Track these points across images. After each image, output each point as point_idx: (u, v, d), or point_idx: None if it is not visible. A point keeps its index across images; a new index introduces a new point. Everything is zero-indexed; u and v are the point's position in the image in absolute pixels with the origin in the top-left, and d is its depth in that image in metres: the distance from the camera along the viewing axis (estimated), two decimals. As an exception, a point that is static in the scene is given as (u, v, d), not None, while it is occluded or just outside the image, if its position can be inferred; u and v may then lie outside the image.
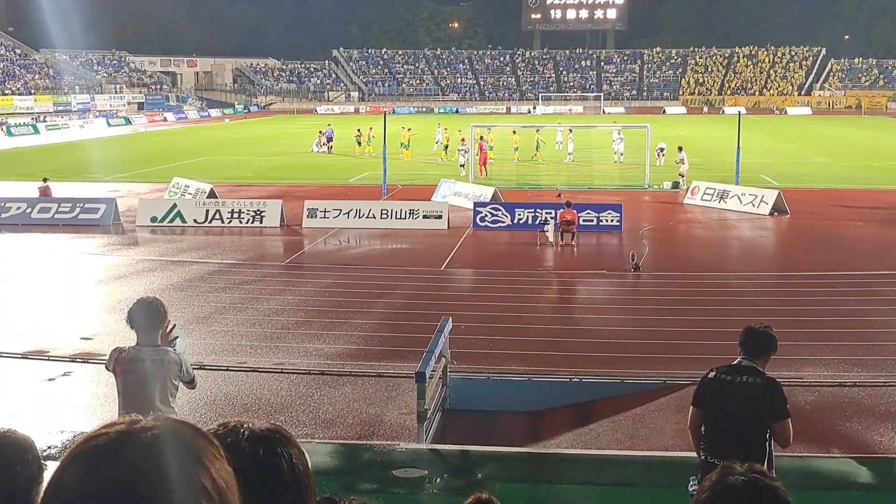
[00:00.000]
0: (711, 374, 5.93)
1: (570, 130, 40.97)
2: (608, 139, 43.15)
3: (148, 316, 6.27)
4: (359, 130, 44.97)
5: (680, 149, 31.78)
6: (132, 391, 6.28)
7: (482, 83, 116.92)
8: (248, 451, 1.66)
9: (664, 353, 12.69)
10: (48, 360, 12.59)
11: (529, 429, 10.22)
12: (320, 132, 47.63)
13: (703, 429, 5.88)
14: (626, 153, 40.14)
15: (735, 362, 5.89)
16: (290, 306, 15.56)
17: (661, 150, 37.84)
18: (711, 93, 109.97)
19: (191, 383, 6.51)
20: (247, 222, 24.09)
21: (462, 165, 34.10)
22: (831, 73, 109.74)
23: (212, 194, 26.57)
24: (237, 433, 1.69)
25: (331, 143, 45.49)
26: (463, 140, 37.54)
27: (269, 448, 1.68)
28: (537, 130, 41.34)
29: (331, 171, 38.13)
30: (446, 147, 41.83)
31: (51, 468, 1.46)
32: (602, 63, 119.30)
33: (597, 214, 23.15)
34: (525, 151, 40.91)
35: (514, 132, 40.84)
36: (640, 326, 14.21)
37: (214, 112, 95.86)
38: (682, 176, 30.99)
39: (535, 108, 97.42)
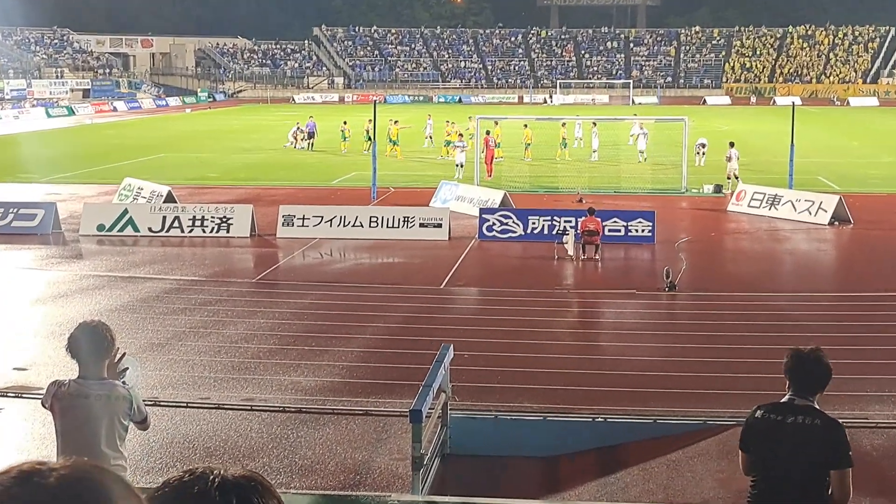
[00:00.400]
0: (758, 414, 5.89)
1: (594, 124, 41.03)
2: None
3: (92, 343, 6.27)
4: (345, 122, 45.06)
5: (731, 144, 31.79)
6: (73, 432, 6.27)
7: (490, 68, 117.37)
8: (218, 501, 1.65)
9: (704, 388, 12.69)
10: (-26, 394, 12.58)
11: (544, 478, 10.19)
12: (298, 124, 47.77)
13: (750, 478, 5.87)
14: (659, 151, 40.22)
15: (785, 399, 5.84)
16: (262, 331, 15.56)
17: (702, 146, 37.90)
18: (760, 80, 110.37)
19: (143, 423, 6.51)
20: (211, 231, 24.12)
21: (459, 165, 34.05)
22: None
23: (170, 198, 26.61)
24: (206, 480, 1.68)
25: (312, 140, 45.61)
26: (460, 135, 37.59)
27: (243, 498, 1.67)
28: (563, 125, 41.31)
29: (310, 170, 38.21)
30: (448, 143, 41.82)
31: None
32: (631, 44, 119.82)
33: (625, 223, 23.18)
34: (542, 149, 40.98)
35: (526, 126, 40.92)
36: (675, 356, 14.21)
37: (173, 101, 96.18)
38: (731, 178, 30.98)
39: (551, 97, 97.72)
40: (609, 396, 12.43)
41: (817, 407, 5.76)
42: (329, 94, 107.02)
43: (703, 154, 37.76)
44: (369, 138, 42.66)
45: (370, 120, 44.09)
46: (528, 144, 40.37)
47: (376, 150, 30.76)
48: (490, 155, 35.14)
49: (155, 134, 57.97)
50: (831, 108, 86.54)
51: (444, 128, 42.60)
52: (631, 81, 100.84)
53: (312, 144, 45.26)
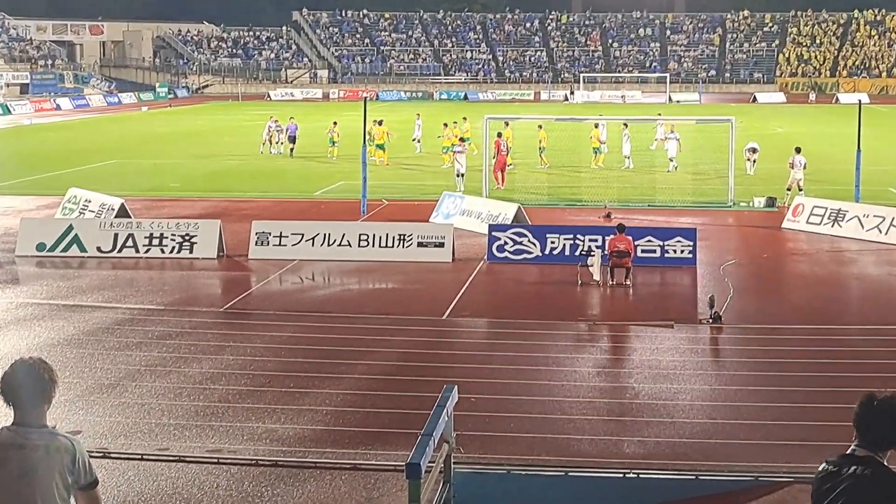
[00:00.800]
0: (821, 467, 5.95)
1: (626, 125, 41.07)
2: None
3: (30, 384, 6.25)
4: (335, 124, 44.95)
5: (798, 150, 31.70)
6: (6, 490, 6.24)
7: (501, 59, 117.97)
8: None
9: (756, 438, 12.65)
10: None
11: (566, 545, 10.14)
12: (273, 119, 47.85)
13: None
14: (701, 158, 40.27)
15: (849, 451, 5.88)
16: (232, 369, 15.54)
17: (753, 151, 37.88)
18: (820, 74, 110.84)
19: (90, 487, 6.41)
20: (171, 251, 24.14)
21: (459, 176, 33.84)
22: None
23: (123, 212, 26.65)
24: None
25: (293, 145, 45.68)
26: (461, 139, 37.62)
27: None
28: (596, 125, 41.36)
29: (289, 179, 38.32)
30: (446, 149, 41.87)
31: None
32: (668, 32, 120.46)
33: (661, 243, 23.19)
34: (562, 155, 41.04)
35: (540, 127, 41.01)
36: (721, 400, 14.17)
37: (127, 97, 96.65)
38: (793, 189, 30.89)
39: (572, 92, 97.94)
40: (642, 448, 12.39)
41: (879, 459, 5.78)
42: (311, 90, 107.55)
43: (754, 161, 37.79)
44: (333, 142, 43.31)
45: (335, 122, 44.76)
46: (543, 148, 40.46)
47: (366, 157, 30.82)
48: (501, 162, 35.17)
49: (105, 137, 58.15)
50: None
51: (442, 131, 42.58)
52: (668, 75, 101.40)
53: (293, 150, 45.42)
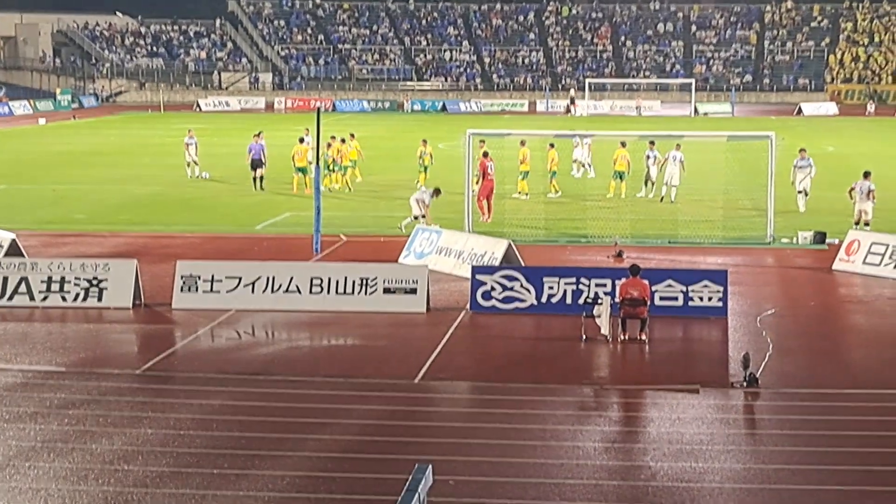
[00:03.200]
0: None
1: (653, 143, 41.12)
2: (701, 157, 43.57)
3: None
4: (303, 140, 43.90)
5: (866, 175, 31.80)
6: None
7: (488, 61, 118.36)
8: None
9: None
10: None
11: None
12: (190, 132, 47.84)
13: None
14: (735, 183, 40.45)
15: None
16: (151, 447, 15.56)
17: (810, 166, 37.55)
18: (881, 80, 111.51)
19: None
20: (75, 299, 24.12)
21: (416, 217, 32.61)
22: None
23: (14, 250, 26.64)
24: None
25: (262, 170, 42.79)
26: (424, 157, 37.32)
27: None
28: (622, 144, 41.01)
29: (222, 210, 38.32)
30: (426, 168, 42.42)
31: None
32: (694, 28, 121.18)
33: (684, 288, 23.33)
34: (562, 178, 41.24)
35: (552, 145, 41.17)
36: (757, 482, 14.28)
37: (20, 106, 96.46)
38: (860, 224, 31.00)
39: (573, 102, 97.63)
40: (661, 542, 12.47)
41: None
42: (251, 98, 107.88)
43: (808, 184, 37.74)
44: (301, 169, 42.35)
45: (257, 134, 44.19)
46: (554, 173, 40.61)
47: (320, 180, 30.92)
48: (487, 187, 35.29)
49: (-7, 156, 57.97)
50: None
51: (418, 147, 43.15)
52: (693, 82, 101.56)
53: (262, 178, 42.80)
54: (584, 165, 45.66)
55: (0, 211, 36.26)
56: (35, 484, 14.19)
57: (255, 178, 42.77)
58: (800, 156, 37.16)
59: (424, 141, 43.90)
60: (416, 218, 32.45)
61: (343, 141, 43.37)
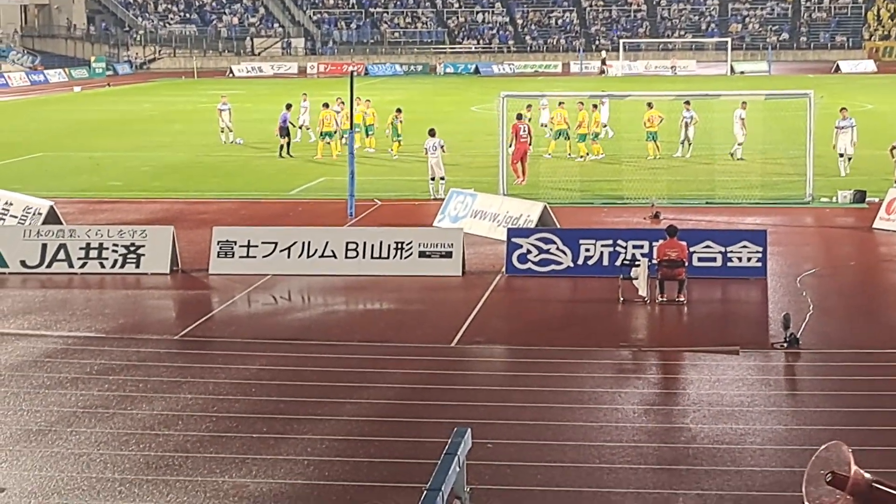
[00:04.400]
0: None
1: (688, 103, 40.90)
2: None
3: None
4: (327, 105, 43.66)
5: None
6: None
7: (521, 23, 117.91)
8: None
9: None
10: None
11: None
12: (222, 99, 47.78)
13: None
14: (772, 142, 40.21)
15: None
16: (190, 411, 15.61)
17: (852, 127, 37.14)
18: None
19: None
20: (113, 266, 24.21)
21: (434, 179, 32.68)
22: None
23: (52, 218, 26.74)
24: None
25: (288, 139, 42.72)
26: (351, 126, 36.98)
27: None
28: (649, 105, 40.81)
29: (258, 175, 38.35)
30: (399, 136, 41.51)
31: None
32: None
33: (722, 249, 23.20)
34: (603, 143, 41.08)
35: (582, 104, 40.90)
36: (799, 444, 14.20)
37: (55, 75, 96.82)
38: None
39: (604, 63, 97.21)
40: (700, 502, 12.43)
41: None
42: (284, 63, 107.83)
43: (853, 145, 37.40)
44: (326, 134, 42.23)
45: (365, 102, 43.94)
46: (585, 136, 40.30)
47: (353, 147, 30.83)
48: (521, 150, 35.12)
49: (29, 125, 58.22)
50: None
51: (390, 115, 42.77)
52: (729, 41, 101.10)
53: (289, 145, 42.64)
54: (603, 126, 45.28)
55: (37, 178, 36.42)
56: (77, 449, 14.26)
57: (280, 146, 42.51)
58: (841, 116, 36.58)
59: (399, 110, 43.20)
60: (441, 179, 32.45)
61: (327, 106, 42.30)
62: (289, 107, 42.67)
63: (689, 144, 40.47)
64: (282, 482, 13.18)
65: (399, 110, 42.89)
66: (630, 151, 40.86)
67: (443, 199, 29.78)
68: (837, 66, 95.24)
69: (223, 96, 48.55)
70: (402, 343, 18.94)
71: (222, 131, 47.11)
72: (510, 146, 34.52)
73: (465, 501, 10.74)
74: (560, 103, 41.16)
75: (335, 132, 41.52)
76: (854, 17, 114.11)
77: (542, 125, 44.77)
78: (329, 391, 16.44)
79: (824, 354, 18.11)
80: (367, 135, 42.82)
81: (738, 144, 39.44)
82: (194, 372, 17.51)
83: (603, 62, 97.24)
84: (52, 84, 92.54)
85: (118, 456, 14.03)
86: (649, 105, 40.89)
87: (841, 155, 35.52)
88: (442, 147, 32.89)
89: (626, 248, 23.17)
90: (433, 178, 32.62)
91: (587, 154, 40.20)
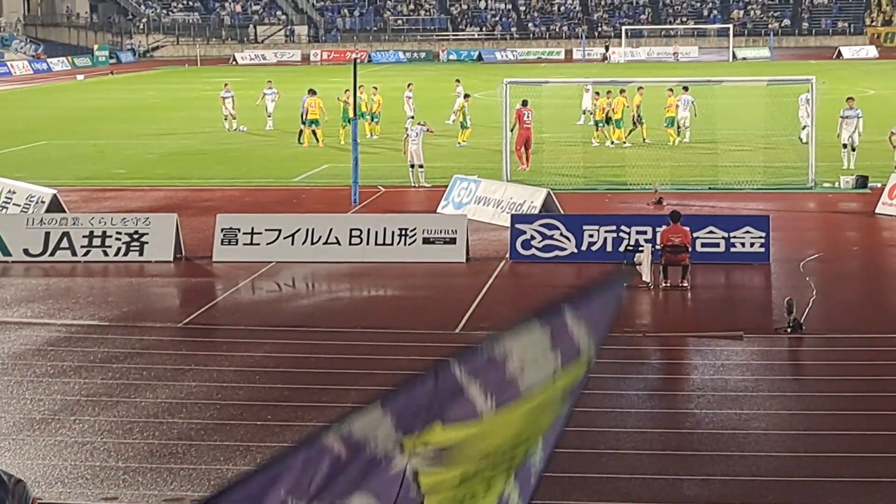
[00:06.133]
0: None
1: (686, 89, 40.99)
2: (737, 103, 43.17)
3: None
4: (313, 93, 43.68)
5: None
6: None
7: (523, 9, 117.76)
8: None
9: (848, 476, 12.61)
10: None
11: None
12: (226, 85, 47.73)
13: None
14: (774, 127, 40.13)
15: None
16: (194, 399, 15.56)
17: (858, 117, 37.00)
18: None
19: None
20: (116, 254, 24.14)
21: (413, 167, 32.26)
22: None
23: (55, 206, 26.70)
24: None
25: (314, 127, 41.29)
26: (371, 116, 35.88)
27: None
28: (670, 90, 40.57)
29: (262, 162, 38.25)
30: (463, 124, 41.44)
31: None
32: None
33: (726, 234, 23.14)
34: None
35: (587, 90, 40.88)
36: (803, 429, 14.16)
37: (58, 63, 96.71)
38: None
39: (607, 49, 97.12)
40: (706, 489, 12.38)
41: None
42: (287, 51, 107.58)
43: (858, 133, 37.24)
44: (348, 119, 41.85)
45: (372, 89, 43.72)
46: (602, 121, 40.22)
47: (357, 134, 30.79)
48: (524, 136, 35.08)
49: (32, 113, 58.13)
50: None
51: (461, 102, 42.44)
52: (731, 27, 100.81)
53: (316, 134, 41.22)
54: (588, 113, 45.04)
55: (40, 166, 36.32)
56: (80, 437, 14.22)
57: (314, 133, 41.47)
58: (847, 105, 36.44)
59: (375, 88, 43.13)
60: (420, 167, 32.23)
61: (313, 93, 41.83)
62: (311, 92, 42.13)
63: (686, 128, 40.53)
64: (286, 469, 13.11)
65: (467, 96, 42.25)
66: (630, 138, 40.76)
67: (426, 188, 30.34)
68: (839, 51, 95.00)
69: (226, 84, 48.46)
70: (406, 330, 18.86)
71: (226, 119, 47.07)
72: (512, 130, 34.44)
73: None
74: (622, 91, 40.84)
75: (323, 120, 40.84)
76: (856, 3, 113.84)
77: (584, 111, 44.40)
78: (334, 378, 16.39)
79: (828, 339, 18.03)
80: (372, 121, 42.80)
81: (803, 128, 39.19)
82: (198, 360, 17.43)
83: (606, 48, 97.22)
84: (56, 72, 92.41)
85: (122, 444, 13.99)
86: (670, 90, 40.90)
87: (845, 146, 35.34)
88: (429, 130, 33.55)
89: (629, 233, 23.10)
90: (412, 166, 32.41)
91: (625, 139, 40.16)
